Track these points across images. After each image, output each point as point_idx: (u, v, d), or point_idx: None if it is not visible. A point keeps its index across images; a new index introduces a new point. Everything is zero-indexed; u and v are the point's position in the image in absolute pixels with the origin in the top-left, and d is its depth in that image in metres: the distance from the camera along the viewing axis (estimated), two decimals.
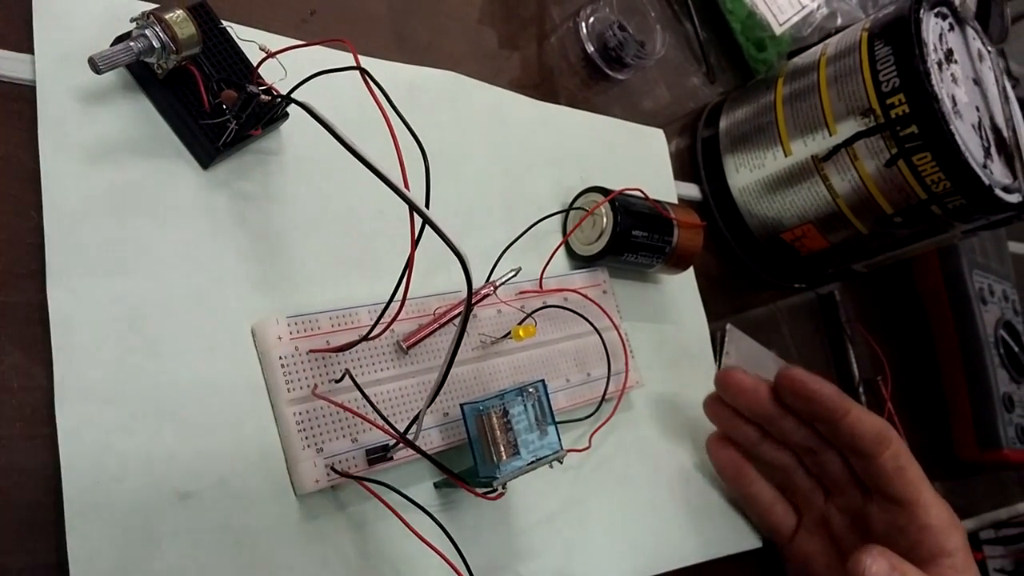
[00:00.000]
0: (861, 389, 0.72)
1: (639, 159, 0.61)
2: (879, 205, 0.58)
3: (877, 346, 0.74)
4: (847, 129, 0.57)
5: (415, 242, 0.32)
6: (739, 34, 0.74)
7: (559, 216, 0.53)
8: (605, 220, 0.51)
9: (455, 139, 0.50)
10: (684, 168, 0.66)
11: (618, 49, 0.61)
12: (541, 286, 0.48)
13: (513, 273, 0.44)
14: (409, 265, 0.32)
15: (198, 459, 0.34)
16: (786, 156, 0.61)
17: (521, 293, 0.47)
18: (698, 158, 0.67)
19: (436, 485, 0.42)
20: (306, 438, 0.37)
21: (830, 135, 0.58)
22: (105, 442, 0.32)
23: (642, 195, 0.53)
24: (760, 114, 0.63)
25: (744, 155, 0.64)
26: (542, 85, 0.58)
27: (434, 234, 0.30)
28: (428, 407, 0.34)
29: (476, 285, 0.44)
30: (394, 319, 0.36)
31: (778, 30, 0.73)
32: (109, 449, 0.32)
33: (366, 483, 0.37)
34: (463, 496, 0.42)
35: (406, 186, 0.31)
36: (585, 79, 0.62)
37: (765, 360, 0.63)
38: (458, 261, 0.30)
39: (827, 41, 0.63)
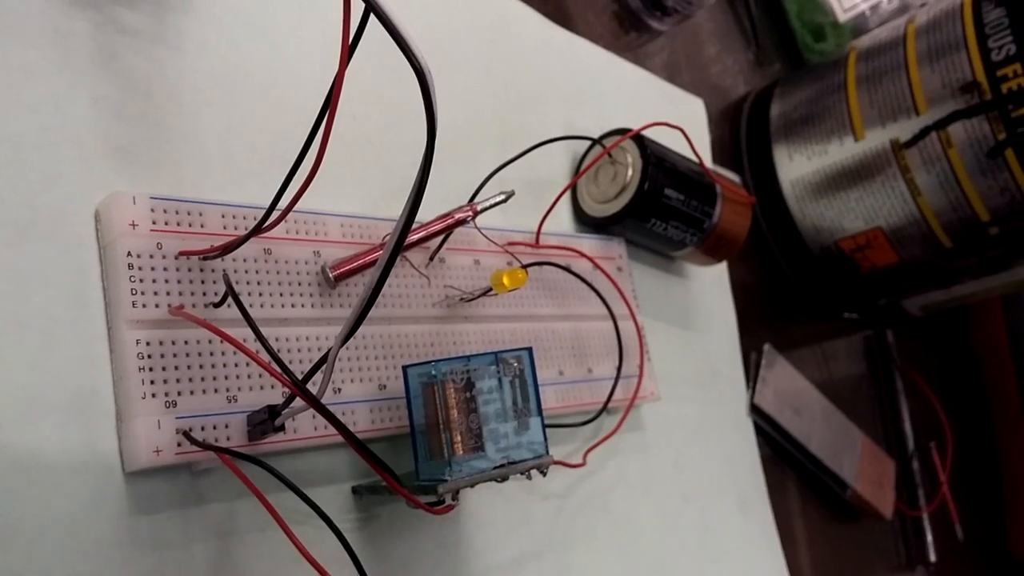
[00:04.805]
0: (915, 462, 0.58)
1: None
2: (972, 208, 0.46)
3: (937, 403, 0.61)
4: (941, 109, 0.45)
5: (350, 37, 0.18)
6: (795, 17, 0.62)
7: (568, 158, 0.41)
8: (630, 172, 0.39)
9: (446, 41, 0.37)
10: (723, 155, 0.54)
11: None
12: (538, 241, 0.36)
13: (503, 197, 0.31)
14: (336, 85, 0.19)
15: None
16: (857, 141, 0.49)
17: (510, 244, 0.34)
18: (741, 142, 0.55)
19: (355, 491, 0.28)
20: (151, 381, 0.23)
21: (917, 115, 0.46)
22: None
23: (687, 146, 0.40)
24: (825, 95, 0.51)
25: (802, 141, 0.51)
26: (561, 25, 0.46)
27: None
28: (342, 346, 0.21)
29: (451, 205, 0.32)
30: (301, 193, 0.23)
31: (842, 17, 0.62)
32: None
33: (235, 462, 0.23)
34: (393, 512, 0.28)
35: None
36: (614, 28, 0.50)
37: (807, 395, 0.50)
38: (415, 74, 0.17)
39: (911, 14, 0.52)
